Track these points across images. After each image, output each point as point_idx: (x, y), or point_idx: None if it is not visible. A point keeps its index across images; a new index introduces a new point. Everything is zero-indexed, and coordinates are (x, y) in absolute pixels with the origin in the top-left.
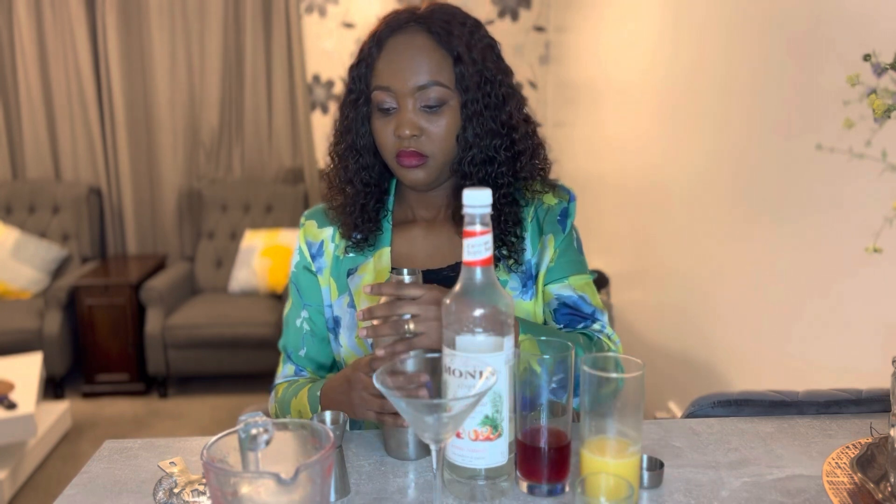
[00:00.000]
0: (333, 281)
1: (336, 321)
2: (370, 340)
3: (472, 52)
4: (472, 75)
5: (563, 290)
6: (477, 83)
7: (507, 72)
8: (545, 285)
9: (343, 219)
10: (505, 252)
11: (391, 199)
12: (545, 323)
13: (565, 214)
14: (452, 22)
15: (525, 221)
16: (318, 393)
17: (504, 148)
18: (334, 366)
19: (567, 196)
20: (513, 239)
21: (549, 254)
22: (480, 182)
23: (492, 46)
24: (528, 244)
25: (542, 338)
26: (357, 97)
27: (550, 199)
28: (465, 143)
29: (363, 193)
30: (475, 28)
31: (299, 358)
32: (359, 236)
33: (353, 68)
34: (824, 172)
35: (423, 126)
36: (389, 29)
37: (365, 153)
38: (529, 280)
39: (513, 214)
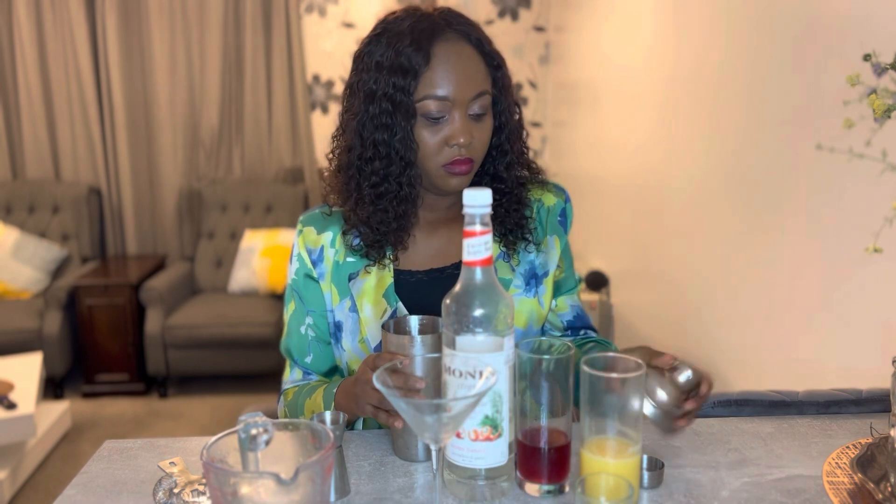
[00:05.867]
0: (334, 286)
1: (338, 326)
2: (373, 344)
3: (501, 58)
4: (508, 82)
5: (576, 301)
6: (509, 89)
7: None
8: (560, 296)
9: (387, 237)
10: (520, 234)
11: None
12: (544, 328)
13: (564, 215)
14: (477, 28)
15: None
16: (335, 390)
17: (524, 146)
18: (339, 370)
19: (563, 195)
20: (524, 221)
21: (556, 255)
22: (511, 184)
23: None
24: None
25: (543, 338)
26: (407, 108)
27: (549, 199)
28: (501, 147)
29: (414, 203)
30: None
31: (306, 364)
32: (400, 247)
33: (397, 77)
34: (824, 172)
35: (473, 133)
36: (427, 37)
37: (413, 163)
38: (532, 279)
39: (525, 199)
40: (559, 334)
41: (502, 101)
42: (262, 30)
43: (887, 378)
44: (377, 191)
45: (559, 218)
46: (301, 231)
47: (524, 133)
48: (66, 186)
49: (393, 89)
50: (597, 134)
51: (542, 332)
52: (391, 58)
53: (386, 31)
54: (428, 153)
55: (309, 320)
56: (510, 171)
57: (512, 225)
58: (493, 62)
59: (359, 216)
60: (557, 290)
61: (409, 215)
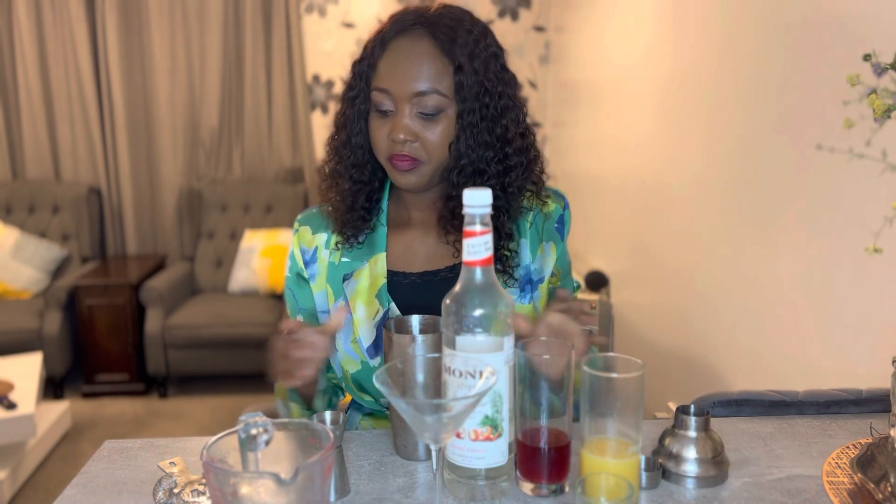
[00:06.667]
0: (329, 286)
1: None
2: (366, 345)
3: (475, 61)
4: (472, 86)
5: None
6: (475, 94)
7: (509, 83)
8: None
9: (334, 214)
10: (499, 267)
11: (385, 198)
12: None
13: (562, 222)
14: (458, 29)
15: (524, 228)
16: None
17: (496, 161)
18: (329, 369)
19: (562, 202)
20: (506, 253)
21: (551, 262)
22: None
23: (496, 56)
24: (526, 250)
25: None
26: (356, 94)
27: (548, 206)
28: (457, 153)
29: (353, 191)
30: (482, 36)
31: None
32: (348, 233)
33: (356, 65)
34: (824, 172)
35: (417, 132)
36: (395, 29)
37: (358, 150)
38: (527, 285)
39: (505, 228)
40: None
41: (461, 104)
42: (262, 30)
43: (887, 378)
44: (331, 167)
45: (556, 225)
46: (297, 230)
47: (503, 144)
48: (66, 186)
49: (356, 77)
50: (597, 134)
51: None
52: (364, 47)
53: (382, 24)
54: (375, 144)
55: (299, 318)
56: (467, 179)
57: None
58: (455, 63)
59: (321, 191)
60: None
61: (358, 200)
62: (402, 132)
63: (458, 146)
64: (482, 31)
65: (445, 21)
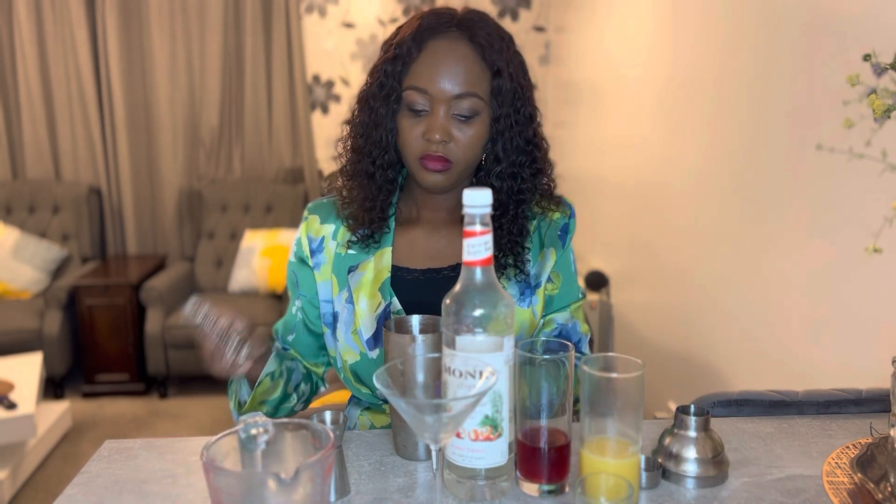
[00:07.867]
0: (335, 277)
1: (335, 316)
2: (366, 337)
3: (510, 67)
4: (508, 91)
5: (568, 320)
6: (511, 99)
7: (532, 88)
8: (549, 314)
9: (354, 213)
10: (511, 261)
11: (396, 195)
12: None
13: (566, 230)
14: (493, 34)
15: (530, 233)
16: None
17: (527, 164)
18: (320, 352)
19: (568, 211)
20: (519, 249)
21: (549, 266)
22: (505, 196)
23: (523, 63)
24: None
25: (542, 338)
26: (389, 93)
27: (553, 213)
28: (493, 157)
29: (385, 190)
30: (511, 42)
31: (287, 342)
32: (366, 231)
33: (388, 63)
34: (824, 172)
35: (452, 133)
36: (430, 30)
37: (390, 149)
38: (528, 289)
39: (525, 227)
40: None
41: (498, 108)
42: (262, 30)
43: (887, 378)
44: (355, 168)
45: (559, 232)
46: (306, 218)
47: (533, 147)
48: (66, 186)
49: (384, 74)
50: (597, 134)
51: None
52: (394, 45)
53: (407, 23)
54: (405, 143)
55: (298, 303)
56: (503, 182)
57: (506, 249)
58: (493, 67)
59: (338, 188)
60: (549, 306)
61: (379, 199)
62: (438, 132)
63: (494, 150)
64: (510, 38)
65: (480, 26)
